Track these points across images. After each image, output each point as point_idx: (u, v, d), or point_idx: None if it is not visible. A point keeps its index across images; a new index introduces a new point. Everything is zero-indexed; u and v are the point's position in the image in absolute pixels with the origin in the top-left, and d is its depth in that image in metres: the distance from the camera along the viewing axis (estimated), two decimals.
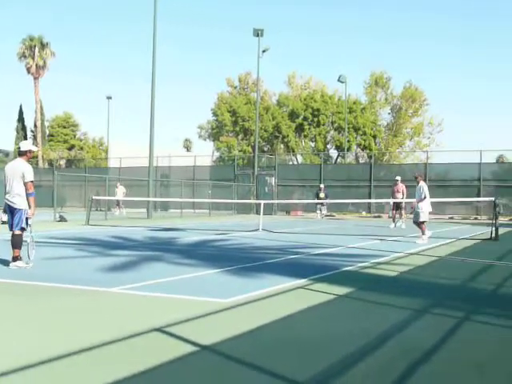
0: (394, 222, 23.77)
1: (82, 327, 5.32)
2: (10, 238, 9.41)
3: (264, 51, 40.66)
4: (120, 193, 34.23)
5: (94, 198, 26.53)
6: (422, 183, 16.01)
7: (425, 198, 15.62)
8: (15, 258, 9.21)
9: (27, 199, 9.22)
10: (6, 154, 69.02)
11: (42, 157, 60.28)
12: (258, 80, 43.85)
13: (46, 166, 58.48)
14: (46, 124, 68.48)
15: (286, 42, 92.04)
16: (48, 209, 32.69)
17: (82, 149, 68.30)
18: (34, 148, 9.75)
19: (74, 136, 70.24)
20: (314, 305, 6.40)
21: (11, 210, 9.27)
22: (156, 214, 32.81)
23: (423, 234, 15.65)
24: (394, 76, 60.08)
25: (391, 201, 24.89)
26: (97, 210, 30.72)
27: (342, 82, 47.86)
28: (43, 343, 4.71)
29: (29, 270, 9.05)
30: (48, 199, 37.79)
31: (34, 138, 64.79)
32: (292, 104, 57.34)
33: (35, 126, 63.44)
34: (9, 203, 9.25)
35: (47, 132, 68.30)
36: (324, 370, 4.08)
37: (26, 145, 9.65)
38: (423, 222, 15.71)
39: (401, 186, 23.91)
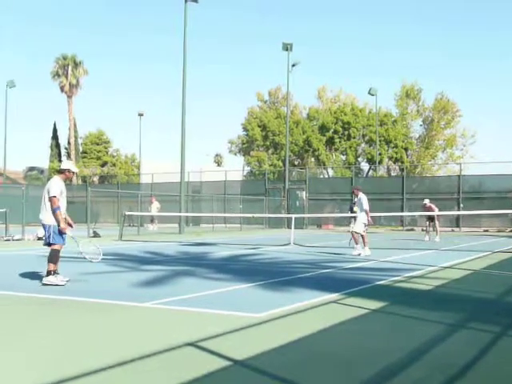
0: (427, 235, 23.56)
1: (116, 342, 5.36)
2: (46, 253, 9.58)
3: (294, 65, 40.81)
4: (154, 208, 34.51)
5: (126, 213, 26.79)
6: (360, 195, 16.04)
7: (363, 209, 15.71)
8: (48, 273, 9.22)
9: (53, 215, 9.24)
10: (41, 172, 70.21)
11: (76, 173, 61.11)
12: (288, 94, 43.95)
13: (80, 182, 59.28)
14: (80, 141, 69.50)
15: (315, 55, 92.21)
16: (82, 224, 33.12)
17: (114, 165, 69.10)
18: (74, 169, 9.70)
19: (107, 153, 71.09)
20: (347, 319, 6.36)
21: (43, 226, 9.40)
22: (188, 228, 32.96)
23: (356, 243, 15.64)
24: (425, 87, 59.51)
25: (424, 214, 24.68)
26: (129, 225, 31.02)
27: (373, 95, 47.67)
28: (77, 358, 4.75)
29: (57, 286, 9.09)
30: (82, 215, 38.27)
31: (68, 155, 65.84)
32: (322, 117, 57.27)
33: (69, 143, 64.44)
34: (41, 219, 9.39)
35: (80, 149, 69.28)
36: None
37: (66, 164, 9.83)
38: (357, 233, 15.72)
39: (429, 208, 23.81)
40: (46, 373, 4.28)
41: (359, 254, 15.23)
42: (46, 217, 9.27)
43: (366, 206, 15.71)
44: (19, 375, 4.27)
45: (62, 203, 9.37)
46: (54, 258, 9.32)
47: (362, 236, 15.75)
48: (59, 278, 9.22)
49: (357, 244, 15.63)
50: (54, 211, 9.19)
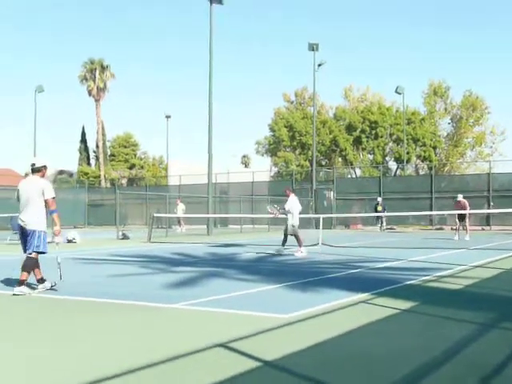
0: (457, 234, 23.30)
1: (146, 343, 5.40)
2: (77, 255, 9.61)
3: (320, 65, 40.69)
4: (180, 210, 34.68)
5: (155, 215, 26.97)
6: (290, 197, 16.12)
7: (290, 211, 15.83)
8: (21, 283, 8.37)
9: (52, 217, 8.58)
10: (70, 175, 71.04)
11: (104, 176, 61.77)
12: (315, 94, 43.83)
13: (108, 185, 59.87)
14: (108, 144, 70.24)
15: (341, 55, 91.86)
16: (111, 227, 33.44)
17: (142, 168, 69.67)
18: (49, 163, 8.91)
19: (135, 155, 71.73)
20: (377, 319, 6.32)
21: (23, 231, 8.57)
22: (216, 230, 33.05)
23: (299, 246, 15.70)
24: (453, 85, 58.92)
25: (454, 212, 24.41)
26: (158, 227, 31.21)
27: (400, 94, 47.33)
28: (108, 359, 4.80)
29: (89, 288, 9.18)
30: (111, 218, 38.70)
31: (97, 158, 66.56)
32: (349, 117, 57.05)
33: (97, 146, 65.13)
34: (21, 223, 8.53)
35: (109, 152, 70.01)
36: None
37: (41, 160, 8.87)
38: (291, 235, 15.85)
39: (462, 204, 23.40)
40: (81, 372, 4.32)
41: (301, 252, 15.44)
42: (33, 221, 8.47)
43: (288, 206, 15.89)
44: (66, 371, 4.34)
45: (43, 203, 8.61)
46: (30, 266, 8.49)
47: (296, 237, 15.83)
48: (46, 284, 8.70)
49: (301, 245, 15.71)
50: (53, 213, 8.53)
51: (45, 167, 8.74)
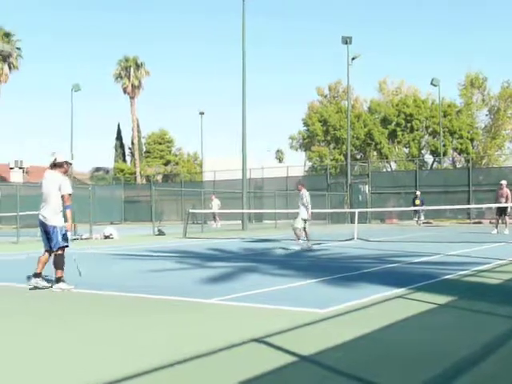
0: (496, 227, 22.88)
1: (182, 337, 5.44)
2: (115, 251, 9.70)
3: (354, 58, 40.36)
4: (215, 205, 34.81)
5: (190, 211, 27.13)
6: (303, 191, 16.22)
7: (306, 205, 16.01)
8: (58, 280, 8.48)
9: (64, 213, 8.55)
10: (107, 172, 72.01)
11: (140, 173, 62.37)
12: (349, 88, 43.54)
13: (144, 181, 60.43)
14: (143, 141, 70.92)
15: (376, 47, 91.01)
16: (147, 223, 33.76)
17: (177, 164, 70.16)
18: (71, 160, 8.92)
19: (170, 152, 72.27)
20: (415, 314, 6.25)
21: (44, 227, 8.57)
22: (250, 225, 33.11)
23: (298, 239, 15.95)
24: (490, 76, 58.00)
25: (494, 206, 23.98)
26: (193, 223, 31.38)
27: (435, 86, 46.70)
28: (147, 353, 4.85)
29: (125, 283, 9.29)
30: (147, 214, 39.04)
31: (132, 154, 67.25)
32: (384, 110, 56.52)
33: (132, 143, 65.77)
34: (42, 219, 8.55)
35: (144, 149, 70.67)
36: (428, 381, 3.98)
37: (62, 156, 8.78)
38: (298, 228, 16.05)
39: (505, 191, 22.81)
40: (117, 371, 4.38)
41: (301, 249, 15.62)
42: (53, 217, 8.49)
43: (305, 201, 15.98)
44: (106, 365, 4.41)
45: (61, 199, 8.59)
46: (62, 263, 8.53)
47: (304, 231, 16.08)
48: (38, 281, 8.59)
49: (298, 239, 15.98)
50: (66, 208, 8.49)
51: (66, 163, 8.69)
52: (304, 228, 16.16)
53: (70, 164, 8.85)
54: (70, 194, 8.50)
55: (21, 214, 22.08)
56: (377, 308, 6.77)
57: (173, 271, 11.20)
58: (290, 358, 4.54)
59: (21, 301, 7.87)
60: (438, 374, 4.12)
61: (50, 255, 8.64)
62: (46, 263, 8.67)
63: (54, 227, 8.45)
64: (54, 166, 8.65)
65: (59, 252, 8.50)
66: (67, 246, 8.61)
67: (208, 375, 4.21)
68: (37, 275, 8.57)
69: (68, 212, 8.53)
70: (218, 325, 6.05)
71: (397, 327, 5.70)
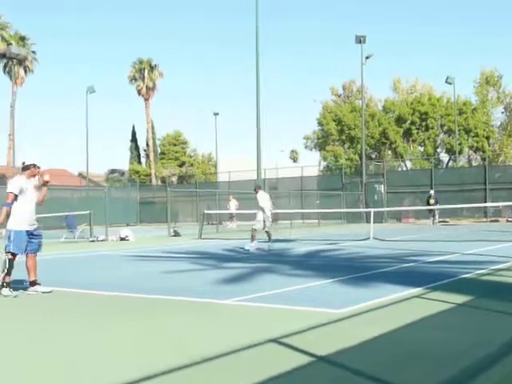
0: None
1: (199, 338, 5.45)
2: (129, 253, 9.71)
3: (367, 57, 40.21)
4: (233, 206, 34.85)
5: (205, 212, 27.17)
6: (258, 194, 16.37)
7: (262, 208, 16.12)
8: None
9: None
10: (122, 174, 72.30)
11: (155, 174, 62.56)
12: (363, 87, 43.40)
13: (159, 183, 60.61)
14: (158, 143, 71.15)
15: (389, 46, 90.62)
16: (162, 224, 33.87)
17: (192, 165, 70.31)
18: (34, 163, 8.62)
19: (184, 153, 72.43)
20: (431, 314, 6.21)
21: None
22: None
23: (252, 240, 16.04)
24: (505, 73, 57.49)
25: (510, 204, 23.80)
26: (208, 223, 31.45)
27: (450, 84, 46.41)
28: (162, 354, 4.86)
29: (142, 284, 9.31)
30: (162, 215, 39.13)
31: (147, 156, 67.44)
32: (398, 109, 56.26)
33: (147, 145, 65.97)
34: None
35: (159, 150, 70.90)
36: (446, 381, 3.95)
37: (30, 160, 8.65)
38: (254, 230, 16.19)
39: None
40: (128, 373, 4.40)
41: (251, 248, 15.87)
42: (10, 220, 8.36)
43: (260, 203, 16.19)
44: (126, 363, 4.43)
45: (25, 202, 8.35)
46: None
47: (266, 232, 16.35)
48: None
49: (253, 241, 16.04)
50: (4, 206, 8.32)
51: (34, 166, 8.56)
52: (264, 229, 16.40)
53: (38, 167, 8.62)
54: (10, 192, 8.30)
55: None
56: (394, 308, 6.74)
57: (188, 272, 11.22)
58: (307, 359, 4.53)
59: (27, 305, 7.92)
60: (456, 374, 4.10)
61: (28, 258, 8.46)
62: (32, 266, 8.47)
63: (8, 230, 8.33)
64: (22, 170, 8.65)
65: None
66: (8, 252, 8.27)
67: (225, 375, 4.21)
68: (33, 282, 8.47)
69: (3, 209, 8.32)
70: (234, 325, 6.05)
71: (414, 327, 5.67)
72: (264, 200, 16.32)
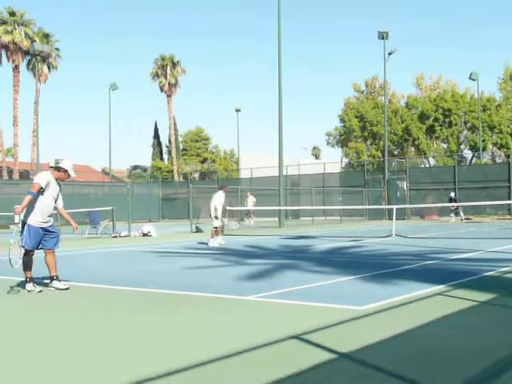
0: None
1: (221, 335, 5.48)
2: (151, 248, 9.78)
3: (390, 54, 39.99)
4: (250, 202, 34.93)
5: (227, 208, 27.21)
6: (217, 193, 17.33)
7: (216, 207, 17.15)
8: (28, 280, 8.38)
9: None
10: (144, 170, 72.77)
11: (177, 171, 62.80)
12: (385, 83, 43.14)
13: (181, 179, 60.85)
14: (180, 139, 71.41)
15: (412, 42, 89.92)
16: (184, 220, 34.01)
17: (214, 161, 70.48)
18: (72, 173, 8.70)
19: (206, 149, 72.62)
20: (454, 312, 6.19)
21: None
22: (287, 222, 33.08)
23: (211, 237, 17.19)
24: None
25: None
26: (230, 220, 31.49)
27: (474, 80, 45.96)
28: (183, 350, 4.91)
29: (164, 280, 9.38)
30: (184, 211, 39.30)
31: (169, 152, 67.80)
32: (422, 105, 55.87)
33: (169, 141, 66.29)
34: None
35: (181, 146, 71.19)
36: (467, 380, 3.94)
37: (67, 164, 8.68)
38: (216, 228, 17.23)
39: None
40: (150, 369, 4.44)
41: (220, 244, 16.95)
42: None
43: (217, 203, 17.17)
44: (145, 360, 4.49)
45: (46, 198, 8.42)
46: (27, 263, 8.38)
47: (217, 229, 17.27)
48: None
49: (212, 238, 17.18)
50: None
51: (65, 172, 8.62)
52: (220, 227, 17.34)
53: (68, 175, 8.67)
54: (35, 183, 8.37)
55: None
56: (416, 305, 6.71)
57: (210, 268, 11.28)
58: (329, 355, 4.54)
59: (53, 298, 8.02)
60: (478, 373, 4.08)
61: (46, 254, 8.55)
62: (50, 262, 8.56)
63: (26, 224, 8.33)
64: (51, 167, 8.71)
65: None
66: (23, 247, 8.31)
67: (245, 372, 4.24)
68: (51, 278, 8.58)
69: (27, 197, 8.24)
70: (255, 322, 6.08)
71: (436, 325, 5.64)
72: (216, 200, 17.25)
